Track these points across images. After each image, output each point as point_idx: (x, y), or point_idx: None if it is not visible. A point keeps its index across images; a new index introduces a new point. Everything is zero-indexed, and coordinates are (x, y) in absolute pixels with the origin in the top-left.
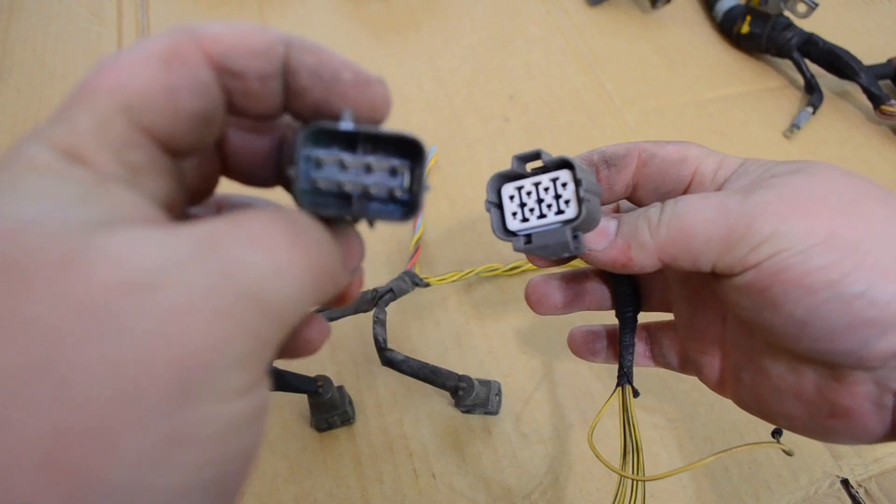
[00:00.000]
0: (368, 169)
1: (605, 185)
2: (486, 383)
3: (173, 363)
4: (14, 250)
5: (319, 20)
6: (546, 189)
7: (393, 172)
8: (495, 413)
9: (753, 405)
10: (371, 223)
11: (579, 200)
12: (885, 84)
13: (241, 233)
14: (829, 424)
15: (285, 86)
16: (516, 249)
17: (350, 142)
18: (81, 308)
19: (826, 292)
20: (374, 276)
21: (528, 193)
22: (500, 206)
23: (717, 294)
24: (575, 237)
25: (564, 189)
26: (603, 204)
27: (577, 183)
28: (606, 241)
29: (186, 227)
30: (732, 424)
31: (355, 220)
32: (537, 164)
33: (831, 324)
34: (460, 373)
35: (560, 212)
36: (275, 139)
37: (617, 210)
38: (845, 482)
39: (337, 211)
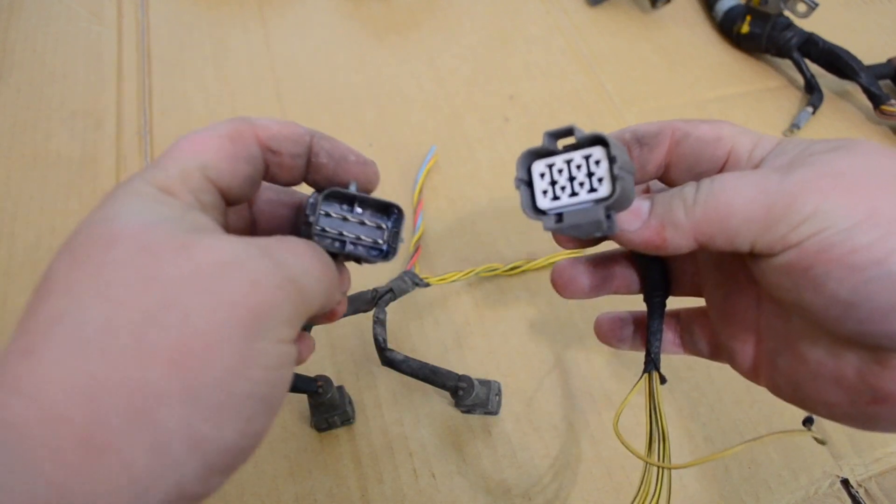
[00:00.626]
0: (362, 223)
1: (636, 164)
2: (486, 383)
3: (249, 312)
4: (148, 239)
5: (319, 20)
6: (578, 166)
7: (378, 228)
8: (495, 413)
9: (790, 392)
10: (360, 262)
11: (613, 178)
12: (885, 84)
13: (285, 245)
14: (871, 411)
15: (308, 163)
16: (547, 228)
17: (351, 203)
18: (193, 274)
19: (871, 271)
20: (375, 276)
21: (560, 171)
22: (530, 183)
23: (754, 276)
24: (608, 216)
25: (598, 167)
26: (635, 183)
27: (612, 160)
28: (640, 221)
29: (249, 238)
30: (733, 424)
31: (348, 258)
32: (569, 140)
33: (877, 304)
34: (460, 373)
35: (593, 190)
36: (293, 208)
37: (647, 191)
38: (845, 482)
39: (337, 249)
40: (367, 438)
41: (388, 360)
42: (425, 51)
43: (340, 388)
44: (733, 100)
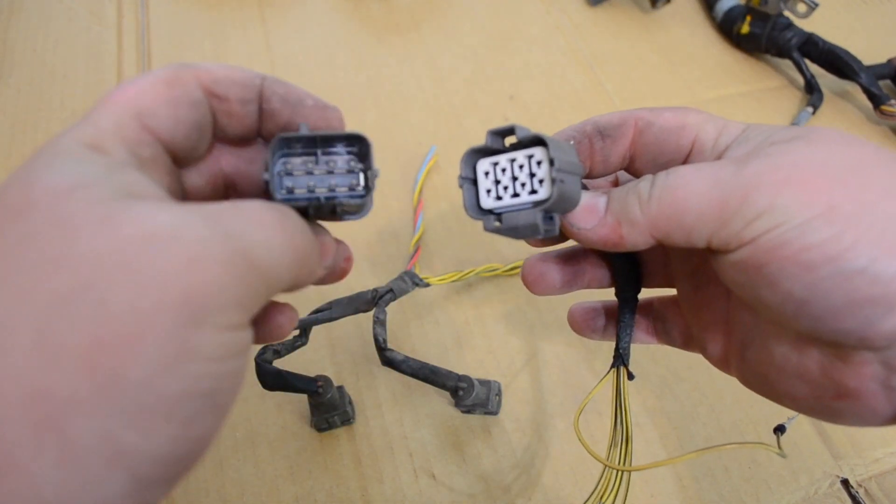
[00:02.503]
0: (331, 172)
1: (599, 157)
2: (486, 383)
3: (184, 295)
4: (67, 208)
5: (319, 20)
6: (521, 166)
7: (351, 171)
8: (495, 413)
9: (758, 384)
10: (340, 216)
11: (552, 181)
12: (885, 84)
13: (241, 212)
14: (835, 406)
15: (260, 111)
16: (487, 229)
17: (311, 151)
18: (115, 251)
19: (825, 268)
20: (374, 276)
21: (503, 170)
22: (475, 182)
23: (715, 270)
24: (549, 219)
25: (539, 168)
26: (598, 176)
27: (551, 162)
28: (595, 218)
29: (194, 204)
30: (733, 424)
31: (322, 213)
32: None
33: (831, 302)
34: (460, 373)
35: (533, 191)
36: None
37: (616, 182)
38: (845, 482)
39: (308, 203)
40: (367, 438)
41: (388, 360)
42: (425, 51)
43: (340, 388)
44: (733, 100)
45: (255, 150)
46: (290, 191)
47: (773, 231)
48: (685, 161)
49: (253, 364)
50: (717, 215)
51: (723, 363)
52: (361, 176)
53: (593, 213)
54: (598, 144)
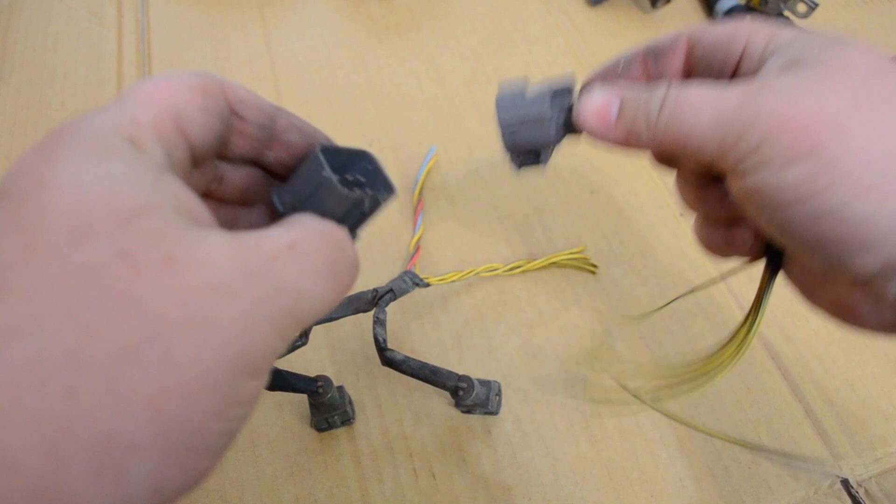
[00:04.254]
0: (359, 183)
1: (655, 76)
2: (486, 383)
3: (239, 352)
4: (131, 239)
5: (319, 20)
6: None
7: (367, 173)
8: (495, 413)
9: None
10: (365, 220)
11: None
12: None
13: (296, 259)
14: (841, 316)
15: (267, 139)
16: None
17: (336, 166)
18: (180, 300)
19: (796, 208)
20: (374, 276)
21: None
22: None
23: None
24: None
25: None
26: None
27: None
28: (606, 125)
29: (253, 240)
30: (733, 424)
31: (373, 209)
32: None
33: (802, 239)
34: (460, 373)
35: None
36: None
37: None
38: (845, 482)
39: (361, 198)
40: (367, 438)
41: (388, 360)
42: (425, 51)
43: (340, 388)
44: None
45: (211, 169)
46: (345, 183)
47: (759, 170)
48: (735, 72)
49: None
50: (716, 146)
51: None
52: (381, 173)
53: (604, 120)
54: (651, 64)
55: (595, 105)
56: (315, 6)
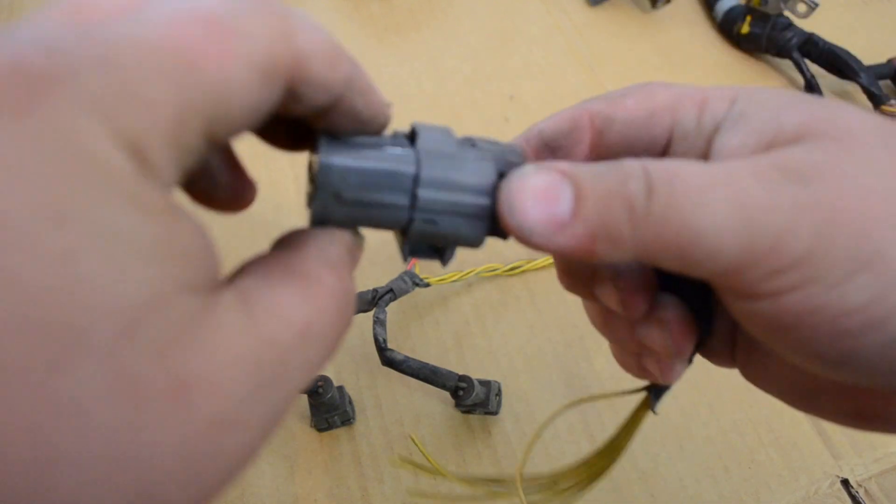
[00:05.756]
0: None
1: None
2: (486, 383)
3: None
4: (128, 359)
5: (319, 20)
6: None
7: None
8: (495, 413)
9: (764, 385)
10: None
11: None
12: (885, 84)
13: (308, 346)
14: (856, 422)
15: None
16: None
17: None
18: (180, 446)
19: (868, 337)
20: (374, 276)
21: None
22: None
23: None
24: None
25: None
26: None
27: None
28: (555, 225)
29: (266, 320)
30: (733, 425)
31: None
32: None
33: (874, 366)
34: (460, 373)
35: None
36: None
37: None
38: (845, 482)
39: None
40: (367, 438)
41: (388, 360)
42: (425, 51)
43: (340, 388)
44: None
45: None
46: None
47: (805, 289)
48: (664, 153)
49: None
50: (736, 255)
51: (724, 359)
52: None
53: (552, 213)
54: (547, 159)
55: (533, 186)
56: (315, 6)
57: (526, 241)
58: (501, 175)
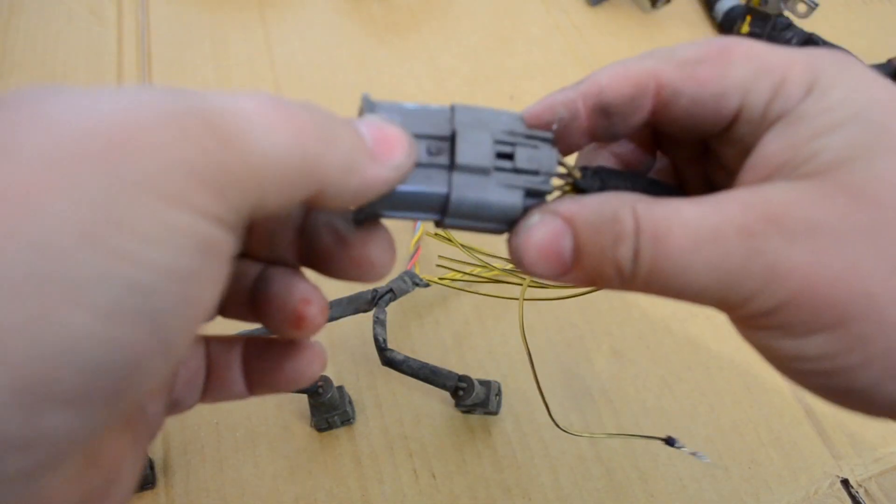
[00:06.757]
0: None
1: (602, 134)
2: (486, 383)
3: (108, 144)
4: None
5: (319, 20)
6: None
7: None
8: (495, 413)
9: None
10: None
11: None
12: None
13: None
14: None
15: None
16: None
17: None
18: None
19: (817, 380)
20: None
21: None
22: None
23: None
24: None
25: None
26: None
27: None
28: (560, 267)
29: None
30: (733, 424)
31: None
32: None
33: (825, 397)
34: (460, 373)
35: None
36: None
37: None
38: (845, 482)
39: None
40: (367, 438)
41: (388, 360)
42: (425, 51)
43: (340, 388)
44: None
45: None
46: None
47: (774, 333)
48: (726, 132)
49: None
50: (714, 304)
51: None
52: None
53: (557, 261)
54: (600, 122)
55: (538, 243)
56: (315, 6)
57: (539, 277)
58: (525, 208)
